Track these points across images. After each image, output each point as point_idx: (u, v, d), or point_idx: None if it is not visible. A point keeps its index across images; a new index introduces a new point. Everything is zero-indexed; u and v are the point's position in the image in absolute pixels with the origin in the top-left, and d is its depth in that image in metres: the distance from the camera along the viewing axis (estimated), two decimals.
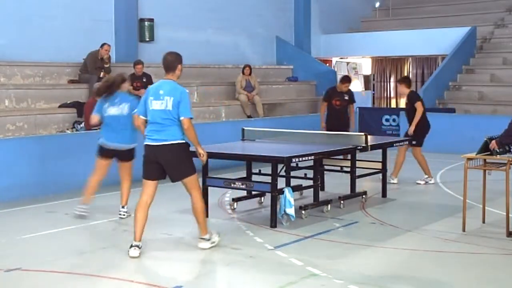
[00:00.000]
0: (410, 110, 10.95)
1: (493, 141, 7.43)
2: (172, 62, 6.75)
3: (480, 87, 17.59)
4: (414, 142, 10.72)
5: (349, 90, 12.03)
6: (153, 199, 6.87)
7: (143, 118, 6.84)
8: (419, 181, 10.94)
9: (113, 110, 8.13)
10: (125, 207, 8.42)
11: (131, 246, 6.70)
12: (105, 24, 14.80)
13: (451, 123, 14.40)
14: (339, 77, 20.14)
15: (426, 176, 10.96)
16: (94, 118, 8.29)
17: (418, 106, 10.80)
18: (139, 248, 6.74)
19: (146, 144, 6.81)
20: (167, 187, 10.85)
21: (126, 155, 8.28)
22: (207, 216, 8.52)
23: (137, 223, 6.76)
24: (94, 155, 8.38)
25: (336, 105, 11.77)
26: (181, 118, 6.60)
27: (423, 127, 10.87)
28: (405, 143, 10.49)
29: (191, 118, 6.66)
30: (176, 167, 6.74)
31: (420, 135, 10.81)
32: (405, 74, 23.20)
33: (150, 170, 6.81)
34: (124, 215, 8.39)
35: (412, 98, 10.95)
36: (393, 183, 10.81)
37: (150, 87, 6.97)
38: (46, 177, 9.94)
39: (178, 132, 6.67)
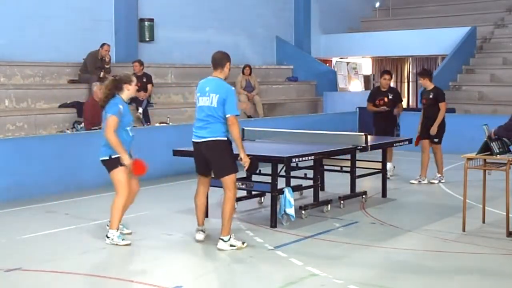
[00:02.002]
0: (432, 106, 10.76)
1: (492, 131, 7.50)
2: (220, 59, 6.89)
3: (480, 87, 17.59)
4: (436, 140, 10.75)
5: (394, 88, 11.96)
6: (209, 188, 7.39)
7: None
8: (433, 180, 10.87)
9: None
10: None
11: (196, 230, 7.27)
12: (105, 24, 14.80)
13: (451, 123, 14.36)
14: (339, 77, 20.29)
15: (440, 175, 10.91)
16: None
17: (443, 106, 10.72)
18: (204, 232, 7.25)
19: (192, 141, 7.00)
20: (166, 187, 10.89)
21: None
22: (206, 216, 8.53)
23: (196, 209, 7.26)
24: None
25: (380, 105, 11.52)
26: (227, 115, 6.69)
27: (444, 126, 10.84)
28: (405, 143, 10.44)
29: (237, 115, 6.76)
30: (217, 164, 6.88)
31: (441, 133, 10.81)
32: (405, 74, 23.21)
33: (198, 166, 7.12)
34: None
35: (439, 96, 10.78)
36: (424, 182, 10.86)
37: (198, 83, 7.06)
38: (46, 177, 9.94)
39: (221, 129, 6.77)
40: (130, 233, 7.50)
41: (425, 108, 10.94)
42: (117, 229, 7.13)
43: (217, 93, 6.72)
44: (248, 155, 6.98)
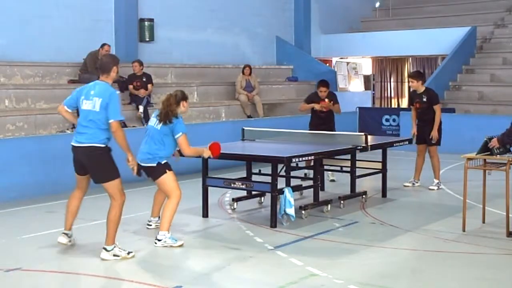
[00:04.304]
0: (426, 109, 10.48)
1: (494, 139, 7.43)
2: (107, 63, 6.70)
3: (480, 87, 17.59)
4: (433, 142, 10.44)
5: (331, 93, 11.05)
6: (86, 191, 7.06)
7: (66, 108, 6.81)
8: (431, 187, 10.54)
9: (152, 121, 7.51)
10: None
11: (61, 233, 7.05)
12: (105, 24, 14.80)
13: (451, 123, 14.38)
14: (339, 77, 20.28)
15: (438, 181, 10.62)
16: None
17: (439, 108, 10.49)
18: (68, 236, 7.05)
19: (71, 144, 6.74)
20: None
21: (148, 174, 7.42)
22: (206, 216, 8.54)
23: (67, 212, 7.09)
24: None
25: (319, 112, 10.94)
26: (110, 120, 6.42)
27: (441, 128, 10.54)
28: (405, 143, 10.40)
29: (120, 121, 6.49)
30: (94, 171, 6.64)
31: (440, 136, 10.52)
32: (405, 74, 23.19)
33: (76, 167, 6.84)
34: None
35: (434, 98, 10.50)
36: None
37: (84, 85, 6.87)
38: (46, 177, 9.93)
39: (99, 136, 6.50)
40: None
41: (419, 112, 10.61)
42: (169, 231, 7.18)
43: (101, 97, 6.46)
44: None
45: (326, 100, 10.85)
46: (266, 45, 19.21)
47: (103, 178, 6.60)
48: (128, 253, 6.67)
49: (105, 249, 6.63)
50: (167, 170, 7.22)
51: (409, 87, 22.84)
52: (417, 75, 10.82)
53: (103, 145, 6.53)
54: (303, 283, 5.90)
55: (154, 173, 7.23)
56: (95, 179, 6.73)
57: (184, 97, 7.41)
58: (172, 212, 7.21)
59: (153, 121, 7.36)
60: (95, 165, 6.60)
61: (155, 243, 7.14)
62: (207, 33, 17.22)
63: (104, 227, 7.77)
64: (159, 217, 7.78)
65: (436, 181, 10.66)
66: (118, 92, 6.57)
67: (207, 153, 7.52)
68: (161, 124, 7.23)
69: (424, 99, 10.53)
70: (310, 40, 20.27)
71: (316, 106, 10.86)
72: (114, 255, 6.61)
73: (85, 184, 6.93)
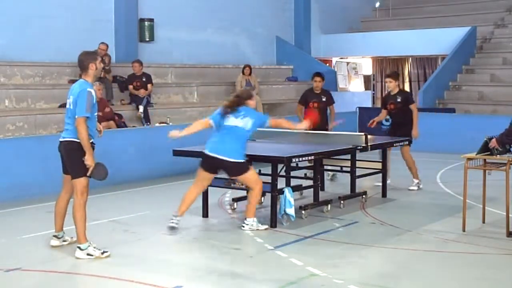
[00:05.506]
0: (401, 110, 10.47)
1: (493, 140, 7.43)
2: (81, 61, 6.79)
3: (480, 87, 17.60)
4: (406, 143, 10.37)
5: (327, 91, 11.41)
6: (72, 193, 6.88)
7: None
8: (411, 188, 10.51)
9: (235, 121, 7.74)
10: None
11: (52, 236, 7.16)
12: (105, 24, 14.81)
13: (451, 123, 14.40)
14: (339, 77, 20.28)
15: (417, 180, 10.59)
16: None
17: (415, 107, 10.53)
18: (59, 238, 7.13)
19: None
20: (167, 187, 10.89)
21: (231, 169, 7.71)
22: (206, 216, 8.55)
23: (54, 214, 7.14)
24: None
25: (313, 108, 11.05)
26: (75, 116, 6.59)
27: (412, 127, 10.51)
28: (405, 143, 10.39)
29: (87, 118, 6.56)
30: (68, 165, 6.82)
31: (411, 135, 10.47)
32: (406, 74, 23.19)
33: (62, 165, 6.95)
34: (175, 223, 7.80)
35: (408, 99, 10.60)
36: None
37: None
38: (46, 177, 9.93)
39: (74, 131, 6.67)
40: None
41: (394, 113, 10.60)
42: (255, 216, 7.87)
43: (73, 95, 6.68)
44: (98, 162, 6.74)
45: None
46: (266, 45, 19.22)
47: (72, 173, 6.75)
48: (103, 252, 6.74)
49: (79, 248, 6.73)
50: (249, 166, 7.75)
51: (410, 87, 22.94)
52: (396, 75, 10.93)
53: (79, 140, 6.62)
54: (303, 283, 5.90)
55: (240, 169, 7.65)
56: (71, 174, 6.81)
57: (249, 96, 7.98)
58: (257, 201, 7.98)
59: (231, 120, 7.75)
60: (68, 159, 6.78)
61: (243, 226, 7.80)
62: (207, 33, 17.23)
63: (105, 227, 7.82)
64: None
65: (415, 181, 10.61)
66: (90, 89, 6.63)
67: (303, 125, 8.33)
68: (250, 123, 7.71)
69: (399, 100, 10.53)
70: (310, 40, 20.29)
71: (314, 109, 11.00)
72: (88, 254, 6.70)
73: (70, 185, 6.90)
